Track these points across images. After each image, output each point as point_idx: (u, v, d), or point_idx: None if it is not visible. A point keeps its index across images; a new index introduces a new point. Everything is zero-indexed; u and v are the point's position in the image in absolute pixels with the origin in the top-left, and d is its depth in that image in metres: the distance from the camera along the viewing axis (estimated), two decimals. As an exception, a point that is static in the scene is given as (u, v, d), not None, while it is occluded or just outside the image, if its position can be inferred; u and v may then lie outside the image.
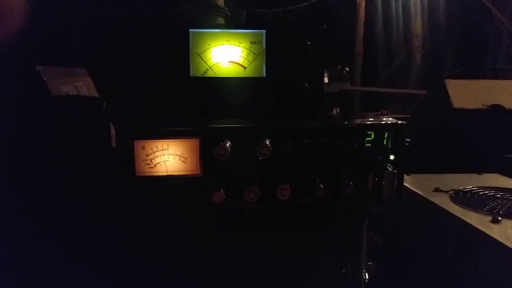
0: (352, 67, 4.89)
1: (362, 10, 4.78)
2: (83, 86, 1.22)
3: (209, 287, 0.78)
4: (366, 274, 0.95)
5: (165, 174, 0.68)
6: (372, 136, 0.72)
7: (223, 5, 1.79)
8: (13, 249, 0.76)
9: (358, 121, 0.75)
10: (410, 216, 1.02)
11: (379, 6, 4.98)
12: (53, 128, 0.82)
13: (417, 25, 4.90)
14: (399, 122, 0.74)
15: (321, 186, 0.70)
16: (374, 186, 0.72)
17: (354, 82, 4.82)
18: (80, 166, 0.80)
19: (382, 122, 0.74)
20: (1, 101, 0.81)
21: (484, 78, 1.58)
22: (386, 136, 0.73)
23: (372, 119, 0.77)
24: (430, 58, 4.89)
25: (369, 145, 0.73)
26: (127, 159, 0.67)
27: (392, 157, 0.73)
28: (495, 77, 2.09)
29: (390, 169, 0.70)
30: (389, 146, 0.73)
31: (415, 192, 0.99)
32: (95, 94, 1.21)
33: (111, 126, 0.87)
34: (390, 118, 0.78)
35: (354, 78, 4.89)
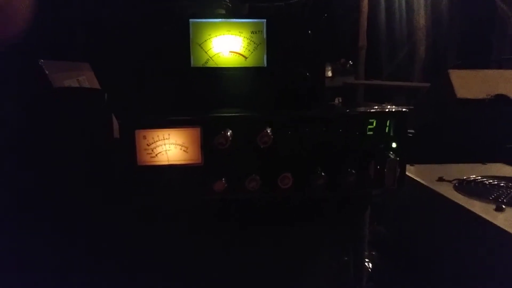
0: (356, 61, 4.86)
1: (365, 3, 4.74)
2: (85, 80, 1.22)
3: (208, 285, 0.78)
4: (370, 264, 0.95)
5: (166, 163, 0.68)
6: (374, 124, 0.72)
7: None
8: (12, 248, 0.76)
9: (359, 109, 0.75)
10: (414, 206, 1.01)
11: (382, -1, 4.93)
12: (55, 120, 0.82)
13: (421, 17, 4.86)
14: (401, 109, 0.73)
15: (323, 174, 0.70)
16: (376, 174, 0.71)
17: (358, 75, 4.78)
18: (83, 158, 0.81)
19: (384, 110, 0.74)
20: (5, 94, 0.81)
21: (488, 69, 1.56)
22: (388, 124, 0.72)
23: (374, 107, 0.77)
24: (434, 50, 4.85)
25: (371, 133, 0.72)
26: (128, 148, 0.67)
27: (394, 145, 0.73)
28: (500, 67, 2.07)
29: (392, 157, 0.70)
30: (391, 134, 0.73)
31: (419, 181, 0.98)
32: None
33: (114, 117, 0.87)
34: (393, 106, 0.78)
35: (358, 71, 4.86)
